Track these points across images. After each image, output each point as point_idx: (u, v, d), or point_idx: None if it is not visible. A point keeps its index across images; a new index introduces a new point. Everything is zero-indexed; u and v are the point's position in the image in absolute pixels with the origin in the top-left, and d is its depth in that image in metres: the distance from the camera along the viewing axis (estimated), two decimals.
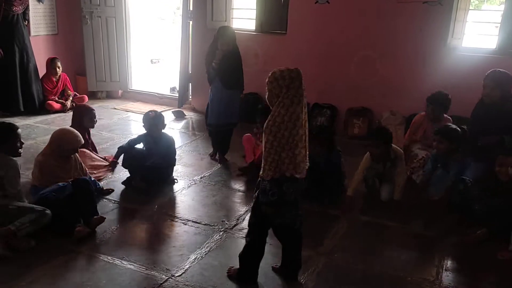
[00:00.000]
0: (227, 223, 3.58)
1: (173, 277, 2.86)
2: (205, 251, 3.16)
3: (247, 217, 3.61)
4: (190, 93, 7.11)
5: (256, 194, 2.64)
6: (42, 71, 6.57)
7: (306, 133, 2.48)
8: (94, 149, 4.68)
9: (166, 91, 7.60)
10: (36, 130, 5.62)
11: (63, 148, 3.51)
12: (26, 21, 6.35)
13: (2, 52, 5.98)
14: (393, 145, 3.95)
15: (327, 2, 5.78)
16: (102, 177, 4.25)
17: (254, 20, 6.36)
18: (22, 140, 3.34)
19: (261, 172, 2.49)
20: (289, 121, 2.38)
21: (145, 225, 3.58)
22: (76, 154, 3.72)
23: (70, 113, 6.38)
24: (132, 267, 2.95)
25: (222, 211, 3.79)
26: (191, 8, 6.59)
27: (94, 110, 4.61)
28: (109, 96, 7.59)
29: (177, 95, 7.07)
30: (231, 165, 4.79)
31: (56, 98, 6.57)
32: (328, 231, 3.52)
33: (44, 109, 6.42)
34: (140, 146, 4.33)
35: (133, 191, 4.04)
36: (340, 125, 5.98)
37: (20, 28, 6.19)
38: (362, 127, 5.80)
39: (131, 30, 7.48)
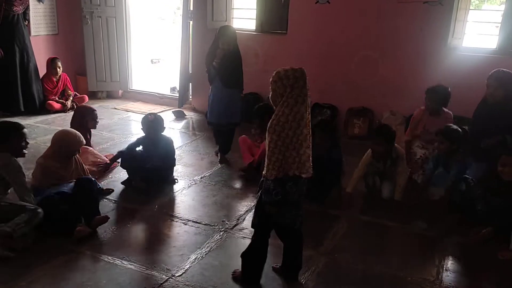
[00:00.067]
0: (228, 223, 3.58)
1: (173, 277, 2.86)
2: (206, 251, 3.16)
3: (248, 217, 3.63)
4: (191, 93, 7.11)
5: (259, 193, 2.64)
6: (42, 71, 6.57)
7: (310, 132, 2.48)
8: None
9: (167, 91, 7.60)
10: (37, 130, 5.62)
11: (65, 150, 3.50)
12: (27, 21, 6.35)
13: (2, 52, 5.98)
14: (396, 144, 3.94)
15: (328, 2, 5.78)
16: (103, 171, 4.29)
17: (255, 20, 6.37)
18: (27, 141, 3.33)
19: (264, 172, 2.48)
20: (293, 121, 2.38)
21: (145, 225, 3.58)
22: (77, 155, 3.72)
23: (71, 113, 6.43)
24: (132, 267, 2.95)
25: (222, 211, 3.78)
26: (191, 8, 6.59)
27: (96, 110, 4.62)
28: (110, 96, 7.59)
29: (177, 95, 7.06)
30: (231, 165, 4.79)
31: (57, 98, 6.58)
32: (328, 231, 3.52)
33: (44, 109, 6.42)
34: (139, 148, 4.32)
35: (133, 191, 4.04)
36: (340, 125, 5.98)
37: (21, 28, 6.19)
38: (362, 127, 5.80)
39: (131, 30, 7.48)
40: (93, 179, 3.78)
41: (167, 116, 6.60)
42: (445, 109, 4.31)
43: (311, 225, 3.37)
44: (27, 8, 6.30)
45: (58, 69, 6.55)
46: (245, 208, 3.84)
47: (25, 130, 3.33)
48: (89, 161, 4.22)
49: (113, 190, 4.00)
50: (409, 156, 4.25)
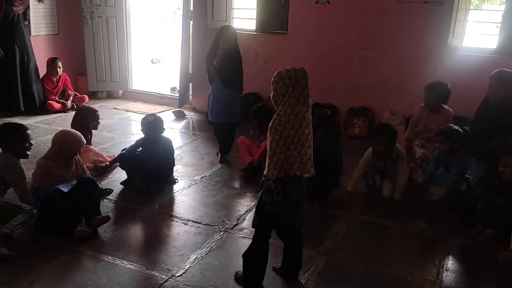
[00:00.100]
0: (228, 223, 3.58)
1: (173, 277, 2.86)
2: (206, 251, 3.16)
3: (248, 217, 3.63)
4: (191, 93, 7.11)
5: (260, 193, 2.63)
6: (42, 71, 6.57)
7: (311, 132, 2.48)
8: None
9: (167, 91, 7.60)
10: (37, 130, 5.62)
11: (66, 150, 3.50)
12: (27, 21, 6.35)
13: (2, 52, 5.99)
14: (397, 144, 3.95)
15: (328, 2, 5.78)
16: (102, 172, 4.31)
17: (255, 20, 6.37)
18: (31, 142, 3.34)
19: (265, 171, 2.48)
20: (295, 121, 2.38)
21: (145, 225, 3.58)
22: (78, 155, 3.72)
23: (71, 113, 6.44)
24: (132, 267, 2.95)
25: (222, 211, 3.79)
26: (191, 8, 6.59)
27: (97, 111, 4.64)
28: (110, 96, 7.60)
29: (178, 95, 7.07)
30: (231, 165, 4.79)
31: (57, 98, 6.58)
32: (328, 231, 3.52)
33: (44, 109, 6.42)
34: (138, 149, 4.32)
35: (133, 191, 4.04)
36: (340, 125, 5.98)
37: (21, 28, 6.19)
38: (362, 127, 5.80)
39: (131, 30, 7.48)
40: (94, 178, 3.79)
41: (167, 116, 6.61)
42: (445, 106, 4.28)
43: (311, 225, 3.37)
44: (27, 8, 6.30)
45: (59, 69, 6.55)
46: (245, 208, 3.84)
47: (28, 131, 3.33)
48: (90, 159, 4.25)
49: (112, 190, 4.00)
50: (409, 154, 4.24)
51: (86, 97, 6.93)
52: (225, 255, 3.14)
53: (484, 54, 5.26)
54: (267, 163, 2.46)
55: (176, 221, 3.59)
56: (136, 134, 5.37)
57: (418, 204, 3.95)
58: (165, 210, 3.78)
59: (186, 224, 3.54)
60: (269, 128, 2.44)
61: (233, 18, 6.56)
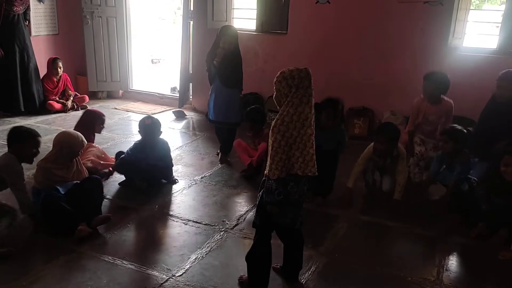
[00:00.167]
0: (228, 223, 3.58)
1: (173, 277, 2.86)
2: (206, 251, 3.16)
3: (248, 217, 3.63)
4: (191, 93, 7.11)
5: (260, 193, 2.64)
6: (42, 71, 6.58)
7: (314, 133, 2.48)
8: None
9: (167, 91, 7.61)
10: (37, 130, 5.58)
11: (67, 151, 3.50)
12: (27, 21, 6.35)
13: (2, 52, 5.99)
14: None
15: (328, 2, 5.78)
16: (108, 174, 4.33)
17: (255, 20, 6.37)
18: (39, 150, 3.38)
19: (266, 171, 2.48)
20: (298, 121, 2.38)
21: (145, 225, 3.58)
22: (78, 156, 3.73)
23: (71, 113, 6.47)
24: (133, 267, 2.95)
25: (222, 211, 3.79)
26: (191, 8, 6.59)
27: (104, 116, 4.69)
28: (110, 96, 7.60)
29: (178, 95, 7.07)
30: (232, 165, 4.79)
31: (57, 98, 6.58)
32: (329, 231, 3.52)
33: (44, 109, 6.42)
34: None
35: (133, 191, 4.04)
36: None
37: (21, 28, 6.20)
38: (362, 127, 5.80)
39: (131, 30, 7.49)
40: (97, 177, 3.80)
41: (168, 116, 6.62)
42: (445, 98, 4.20)
43: (311, 225, 3.38)
44: (27, 8, 6.30)
45: (59, 69, 6.55)
46: (246, 208, 3.84)
47: (40, 139, 3.38)
48: (94, 155, 4.29)
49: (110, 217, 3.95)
50: (410, 147, 4.23)
51: (87, 97, 6.93)
52: (226, 255, 3.14)
53: (485, 54, 5.26)
54: (268, 162, 2.45)
55: (177, 221, 3.59)
56: (136, 134, 5.36)
57: (418, 204, 3.95)
58: (165, 210, 3.78)
59: (186, 224, 3.54)
60: (271, 128, 2.44)
61: (233, 18, 6.56)
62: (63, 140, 3.51)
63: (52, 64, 6.51)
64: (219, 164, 4.80)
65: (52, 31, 7.05)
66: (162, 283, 2.79)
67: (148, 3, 10.05)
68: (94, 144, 4.50)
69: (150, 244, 3.31)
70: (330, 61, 5.92)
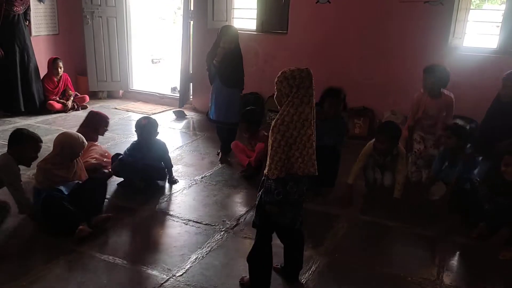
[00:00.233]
0: (228, 223, 3.58)
1: (174, 277, 2.86)
2: (206, 251, 3.17)
3: (248, 217, 3.63)
4: (191, 93, 7.11)
5: (260, 193, 2.63)
6: (43, 71, 6.58)
7: (314, 133, 2.48)
8: None
9: (167, 91, 7.61)
10: (37, 130, 5.55)
11: (68, 152, 3.51)
12: (27, 21, 6.35)
13: (2, 52, 5.99)
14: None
15: (328, 2, 5.78)
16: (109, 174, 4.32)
17: (255, 20, 6.37)
18: (38, 155, 3.40)
19: (266, 171, 2.48)
20: (298, 121, 2.38)
21: (146, 225, 3.58)
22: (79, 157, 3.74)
23: (72, 113, 6.48)
24: (133, 267, 2.96)
25: (223, 211, 3.79)
26: (192, 8, 6.59)
27: (109, 119, 4.73)
28: (110, 96, 7.60)
29: (178, 95, 7.07)
30: (232, 165, 4.79)
31: (57, 98, 6.58)
32: (329, 231, 3.52)
33: (44, 109, 6.42)
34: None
35: (132, 191, 4.04)
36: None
37: (21, 28, 6.20)
38: (363, 127, 5.80)
39: (132, 30, 7.49)
40: (99, 178, 3.82)
41: (168, 116, 6.62)
42: (446, 92, 4.18)
43: (311, 225, 3.38)
44: (28, 8, 6.30)
45: (60, 69, 6.55)
46: (246, 208, 3.84)
47: (41, 144, 3.41)
48: (97, 153, 4.32)
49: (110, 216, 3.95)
50: (410, 143, 4.22)
51: (87, 97, 6.93)
52: (226, 255, 3.14)
53: (485, 54, 5.25)
54: (268, 162, 2.45)
55: (177, 221, 3.60)
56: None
57: (418, 204, 3.95)
58: (165, 210, 3.78)
59: (186, 224, 3.54)
60: (271, 128, 2.44)
61: (233, 18, 6.56)
62: (64, 141, 3.51)
63: (52, 64, 6.51)
64: (220, 164, 4.80)
65: (53, 31, 7.05)
66: (162, 283, 2.80)
67: (148, 3, 10.05)
68: (96, 143, 4.51)
69: (150, 244, 3.32)
70: (330, 61, 5.91)
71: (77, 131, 4.17)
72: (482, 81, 4.94)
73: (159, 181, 4.27)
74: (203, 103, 6.67)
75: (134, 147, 4.20)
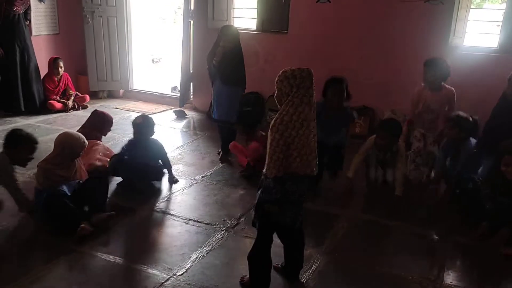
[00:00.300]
0: (229, 222, 3.58)
1: (174, 276, 2.86)
2: (207, 250, 3.17)
3: (249, 217, 3.63)
4: (191, 93, 7.11)
5: (259, 192, 2.63)
6: (43, 71, 6.58)
7: (315, 133, 2.48)
8: None
9: (168, 91, 7.61)
10: (38, 130, 5.62)
11: (69, 152, 3.51)
12: (28, 21, 6.35)
13: (3, 52, 5.99)
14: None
15: (328, 1, 5.77)
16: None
17: (255, 19, 6.37)
18: (33, 156, 3.41)
19: (264, 170, 2.48)
20: (297, 121, 2.38)
21: (146, 225, 3.58)
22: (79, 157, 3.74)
23: (72, 113, 6.48)
24: (133, 266, 2.96)
25: (223, 210, 3.79)
26: (192, 8, 6.59)
27: (113, 119, 4.77)
28: (111, 95, 7.60)
29: (178, 94, 7.07)
30: (232, 164, 4.79)
31: (58, 98, 6.58)
32: (329, 231, 3.52)
33: (45, 109, 6.42)
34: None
35: (132, 191, 4.04)
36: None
37: (22, 28, 6.20)
38: (363, 126, 5.80)
39: (132, 29, 7.48)
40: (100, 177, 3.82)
41: (168, 116, 6.62)
42: (446, 85, 4.18)
43: (312, 225, 3.38)
44: (28, 8, 6.30)
45: (60, 69, 6.55)
46: (247, 207, 3.84)
47: (36, 145, 3.42)
48: (100, 152, 4.33)
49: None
50: (410, 137, 4.22)
51: (87, 97, 6.93)
52: (226, 255, 3.14)
53: (485, 53, 5.25)
54: (266, 161, 2.45)
55: (177, 221, 3.60)
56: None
57: (418, 203, 3.95)
58: (166, 210, 3.78)
59: (187, 224, 3.54)
60: (270, 127, 2.44)
61: (233, 17, 6.56)
62: (64, 141, 3.51)
63: (53, 63, 6.51)
64: (220, 163, 4.80)
65: (53, 31, 7.05)
66: (163, 282, 2.80)
67: (148, 2, 10.06)
68: (98, 142, 4.52)
69: (150, 244, 3.32)
70: (330, 60, 5.90)
71: (81, 131, 4.19)
72: (483, 80, 4.93)
73: (154, 182, 4.26)
74: (203, 102, 6.67)
75: (130, 144, 4.21)
